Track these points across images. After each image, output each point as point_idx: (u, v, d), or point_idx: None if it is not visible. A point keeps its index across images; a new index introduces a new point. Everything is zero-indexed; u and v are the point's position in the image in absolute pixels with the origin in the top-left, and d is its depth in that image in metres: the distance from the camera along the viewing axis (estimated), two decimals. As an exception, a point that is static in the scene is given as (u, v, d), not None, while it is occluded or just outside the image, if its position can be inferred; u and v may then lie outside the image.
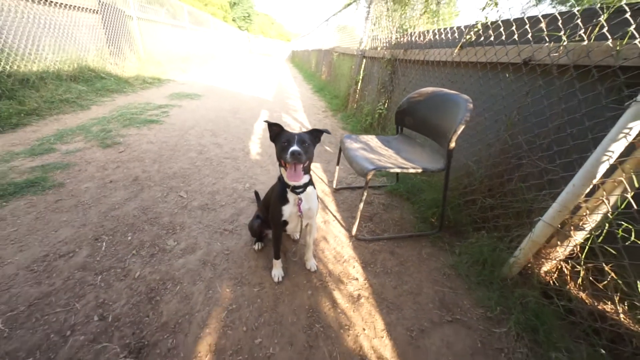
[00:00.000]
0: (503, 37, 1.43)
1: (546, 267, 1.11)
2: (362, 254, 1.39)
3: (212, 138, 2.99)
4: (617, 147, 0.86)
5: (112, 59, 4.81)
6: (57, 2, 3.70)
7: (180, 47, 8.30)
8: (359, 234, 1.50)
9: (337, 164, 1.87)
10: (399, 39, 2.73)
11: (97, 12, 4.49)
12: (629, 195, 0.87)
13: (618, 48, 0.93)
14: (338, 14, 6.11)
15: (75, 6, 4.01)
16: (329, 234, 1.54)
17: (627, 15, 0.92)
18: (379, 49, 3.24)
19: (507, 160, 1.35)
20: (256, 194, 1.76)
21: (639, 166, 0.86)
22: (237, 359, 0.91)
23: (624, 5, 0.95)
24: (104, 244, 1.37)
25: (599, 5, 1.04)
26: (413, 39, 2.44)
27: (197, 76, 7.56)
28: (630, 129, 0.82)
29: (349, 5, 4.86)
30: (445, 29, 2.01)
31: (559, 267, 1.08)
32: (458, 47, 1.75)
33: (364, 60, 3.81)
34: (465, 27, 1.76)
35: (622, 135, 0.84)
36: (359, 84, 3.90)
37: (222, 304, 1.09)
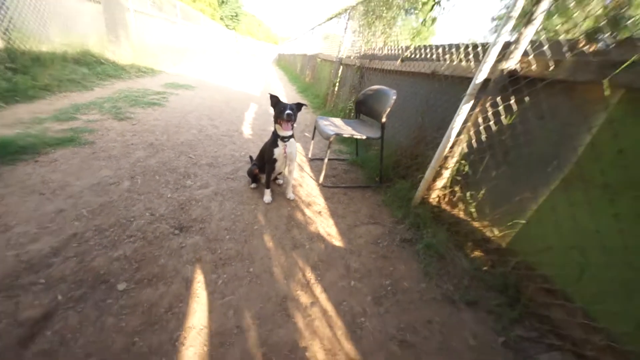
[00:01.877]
0: (423, 56, 2.19)
1: (433, 195, 1.83)
2: (325, 193, 2.05)
3: (210, 121, 3.52)
4: (459, 120, 1.59)
5: (110, 46, 5.13)
6: (66, -9, 4.05)
7: (171, 41, 8.61)
8: (324, 183, 2.16)
9: (312, 138, 2.53)
10: (366, 51, 3.48)
11: (99, 2, 4.83)
12: (464, 145, 1.61)
13: (468, 66, 1.68)
14: (323, 25, 6.86)
15: (82, -4, 4.36)
16: (303, 183, 2.18)
17: (478, 49, 1.68)
18: (352, 57, 3.99)
19: (420, 134, 2.09)
20: (250, 157, 2.35)
21: (469, 130, 1.60)
22: (242, 234, 1.51)
23: (479, 44, 1.70)
24: (139, 180, 1.90)
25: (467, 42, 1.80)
26: (375, 52, 3.19)
27: (187, 70, 7.92)
28: (461, 110, 1.56)
29: (332, 18, 5.62)
30: (395, 46, 2.77)
31: (439, 195, 1.81)
32: (399, 61, 2.50)
33: (341, 66, 4.54)
34: (406, 47, 2.52)
35: (461, 113, 1.58)
36: (336, 86, 4.62)
37: (230, 212, 1.68)
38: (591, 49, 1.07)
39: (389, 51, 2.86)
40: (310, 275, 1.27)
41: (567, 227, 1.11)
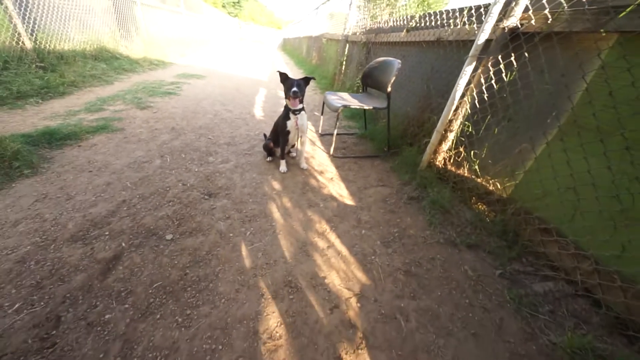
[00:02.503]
0: (427, 24, 2.21)
1: (439, 158, 1.93)
2: (336, 163, 2.20)
3: (223, 106, 3.69)
4: (462, 83, 1.66)
5: (122, 41, 5.33)
6: (80, -11, 4.22)
7: (177, 32, 8.72)
8: (335, 154, 2.30)
9: (322, 114, 2.65)
10: (371, 26, 3.47)
11: (109, -2, 4.99)
12: (467, 107, 1.68)
13: (471, 29, 1.72)
14: (327, 3, 6.72)
15: (93, -8, 4.53)
16: (315, 155, 2.33)
17: (481, 10, 1.70)
18: (357, 34, 3.97)
19: (425, 102, 2.16)
20: (264, 135, 2.50)
21: (472, 92, 1.66)
22: (263, 198, 1.69)
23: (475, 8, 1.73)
24: (168, 158, 2.11)
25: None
26: (381, 25, 3.19)
27: (195, 60, 8.06)
28: (464, 72, 1.62)
29: (335, -5, 5.50)
30: (399, 17, 2.76)
31: (444, 157, 1.90)
32: (405, 31, 2.52)
33: (347, 44, 4.52)
34: (411, 17, 2.52)
35: (464, 76, 1.64)
36: (343, 65, 4.63)
37: (251, 181, 1.87)
38: (587, -2, 1.11)
39: (395, 23, 2.86)
40: (325, 226, 1.45)
41: (563, 171, 1.20)
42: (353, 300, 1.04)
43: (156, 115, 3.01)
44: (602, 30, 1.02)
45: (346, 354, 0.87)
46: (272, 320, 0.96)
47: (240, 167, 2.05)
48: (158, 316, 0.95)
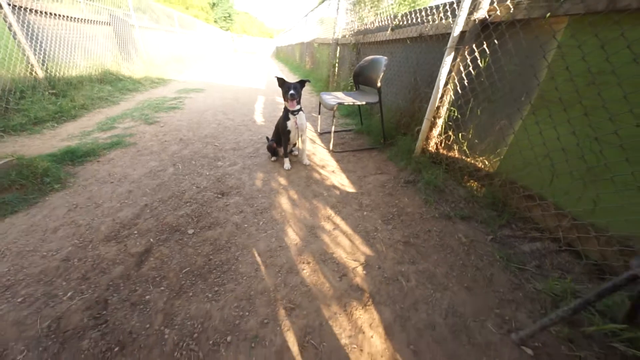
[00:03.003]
0: (410, 22, 2.37)
1: (431, 144, 2.07)
2: (336, 157, 2.35)
3: (225, 116, 3.87)
4: (444, 72, 1.81)
5: (124, 63, 5.60)
6: (83, 19, 4.49)
7: (173, 50, 9.03)
8: (334, 149, 2.45)
9: (319, 113, 2.81)
10: (359, 28, 3.65)
11: (109, 24, 5.27)
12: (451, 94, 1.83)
13: (448, 23, 1.87)
14: (315, 10, 6.96)
15: (95, 20, 4.80)
16: (316, 152, 2.48)
17: (454, 6, 1.86)
18: (347, 36, 4.16)
19: (415, 93, 2.30)
20: (267, 137, 2.67)
21: (453, 79, 1.81)
22: (271, 193, 1.84)
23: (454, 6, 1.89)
24: (180, 166, 2.27)
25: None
26: (368, 26, 3.36)
27: (193, 75, 8.33)
28: (445, 62, 1.77)
29: (323, 1, 5.73)
30: (384, 18, 2.94)
31: (436, 142, 2.04)
32: (390, 30, 2.69)
33: (338, 47, 4.71)
34: (394, 16, 2.69)
35: (445, 65, 1.79)
36: (336, 67, 4.81)
37: (259, 179, 2.02)
38: (542, -13, 1.26)
39: (380, 23, 3.03)
40: (330, 212, 1.59)
41: (537, 141, 1.33)
42: (359, 269, 1.18)
43: (164, 129, 3.19)
44: (548, 14, 1.16)
45: (356, 310, 1.00)
46: (290, 290, 1.10)
47: (247, 168, 2.21)
48: (190, 294, 1.10)
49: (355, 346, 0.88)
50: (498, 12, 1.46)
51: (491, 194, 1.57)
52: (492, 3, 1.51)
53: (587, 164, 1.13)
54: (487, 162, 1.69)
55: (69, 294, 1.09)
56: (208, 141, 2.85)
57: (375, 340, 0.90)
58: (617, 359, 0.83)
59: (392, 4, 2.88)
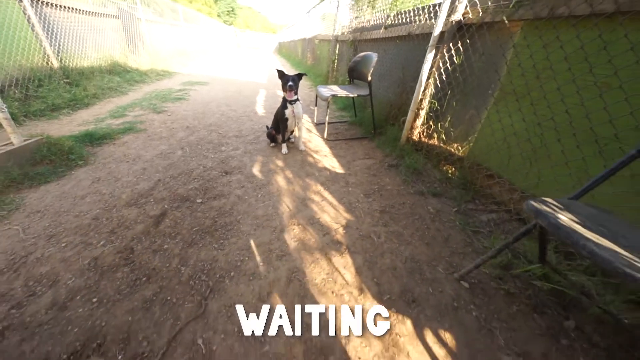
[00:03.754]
0: (400, 22, 2.58)
1: (415, 133, 2.29)
2: (329, 144, 2.58)
3: (228, 107, 4.09)
4: (426, 67, 2.03)
5: (131, 55, 5.81)
6: (93, 12, 4.69)
7: (178, 44, 9.21)
8: (328, 138, 2.68)
9: (315, 104, 3.03)
10: (357, 25, 3.85)
11: (117, 18, 5.47)
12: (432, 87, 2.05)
13: (431, 24, 2.08)
14: (317, 6, 7.12)
15: (104, 14, 5.00)
16: (311, 139, 2.71)
17: (436, 8, 2.07)
18: (345, 33, 4.35)
19: (402, 87, 2.52)
20: (266, 126, 2.89)
21: (434, 75, 2.03)
22: (270, 172, 2.07)
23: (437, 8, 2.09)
24: (188, 149, 2.51)
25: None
26: (364, 24, 3.56)
27: (197, 69, 8.53)
28: (427, 59, 1.99)
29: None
30: (379, 16, 3.14)
31: (419, 131, 2.27)
32: (383, 28, 2.89)
33: (337, 43, 4.91)
34: (387, 16, 2.90)
35: (427, 62, 2.01)
36: (335, 62, 5.01)
37: (259, 161, 2.25)
38: (503, -5, 1.48)
39: (375, 22, 3.23)
40: (320, 188, 1.82)
41: (497, 128, 1.56)
42: (340, 229, 1.42)
43: (171, 118, 3.42)
44: (504, 18, 1.38)
45: (334, 257, 1.24)
46: (282, 243, 1.34)
47: (248, 153, 2.44)
48: (200, 245, 1.34)
49: (331, 279, 1.12)
50: (470, 15, 1.67)
51: (462, 175, 1.80)
52: (466, 7, 1.73)
53: (533, 145, 1.36)
54: (460, 148, 1.92)
55: (101, 243, 1.33)
56: (212, 129, 3.08)
57: (347, 276, 1.13)
58: (536, 291, 1.07)
59: (387, 4, 3.08)
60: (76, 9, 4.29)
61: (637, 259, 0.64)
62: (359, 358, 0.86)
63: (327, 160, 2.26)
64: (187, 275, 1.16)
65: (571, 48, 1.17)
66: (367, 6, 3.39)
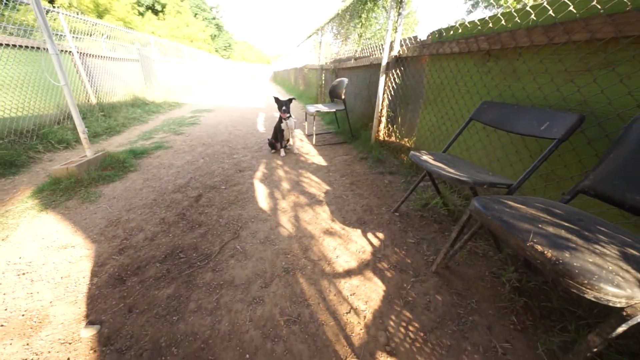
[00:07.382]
0: (365, 55, 3.45)
1: (380, 135, 3.05)
2: (317, 149, 3.33)
3: (234, 128, 4.91)
4: (381, 87, 2.83)
5: (148, 90, 6.77)
6: (121, 58, 5.69)
7: (184, 79, 10.36)
8: (316, 143, 3.43)
9: (305, 119, 3.83)
10: (336, 57, 4.79)
11: (138, 61, 6.49)
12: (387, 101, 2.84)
13: (381, 57, 2.92)
14: (305, 42, 8.30)
15: (129, 59, 6.01)
16: (303, 146, 3.47)
17: (384, 46, 2.92)
18: (328, 63, 5.31)
19: (369, 102, 3.32)
20: (268, 139, 3.66)
21: (387, 92, 2.82)
22: (272, 169, 2.79)
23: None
24: (207, 158, 3.24)
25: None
26: (341, 56, 4.49)
27: (202, 99, 9.57)
28: (381, 81, 2.80)
29: (310, 36, 7.02)
30: (350, 51, 4.05)
31: (383, 133, 3.02)
32: (354, 60, 3.78)
33: (323, 71, 5.87)
34: (355, 50, 3.79)
35: (381, 83, 2.81)
36: (322, 87, 5.95)
37: (263, 162, 2.98)
38: (418, 39, 2.30)
39: (348, 54, 4.14)
40: (309, 174, 2.53)
41: (425, 125, 2.30)
42: (322, 195, 2.10)
43: (189, 137, 4.20)
44: (417, 54, 2.19)
45: (316, 208, 1.92)
46: (284, 205, 2.02)
47: (255, 158, 3.17)
48: (229, 209, 2.01)
49: (315, 217, 1.79)
50: (401, 52, 2.50)
51: (410, 161, 2.51)
52: (401, 46, 2.56)
53: (441, 131, 2.09)
54: (409, 141, 2.66)
55: (163, 212, 2.01)
56: (224, 144, 3.85)
57: (323, 215, 1.81)
58: (438, 213, 1.73)
59: (355, 41, 4.00)
60: (109, 57, 5.26)
61: (452, 171, 1.34)
62: (328, 244, 1.52)
63: (315, 158, 2.99)
64: (224, 222, 1.83)
65: (450, 71, 1.94)
66: (342, 43, 4.33)
